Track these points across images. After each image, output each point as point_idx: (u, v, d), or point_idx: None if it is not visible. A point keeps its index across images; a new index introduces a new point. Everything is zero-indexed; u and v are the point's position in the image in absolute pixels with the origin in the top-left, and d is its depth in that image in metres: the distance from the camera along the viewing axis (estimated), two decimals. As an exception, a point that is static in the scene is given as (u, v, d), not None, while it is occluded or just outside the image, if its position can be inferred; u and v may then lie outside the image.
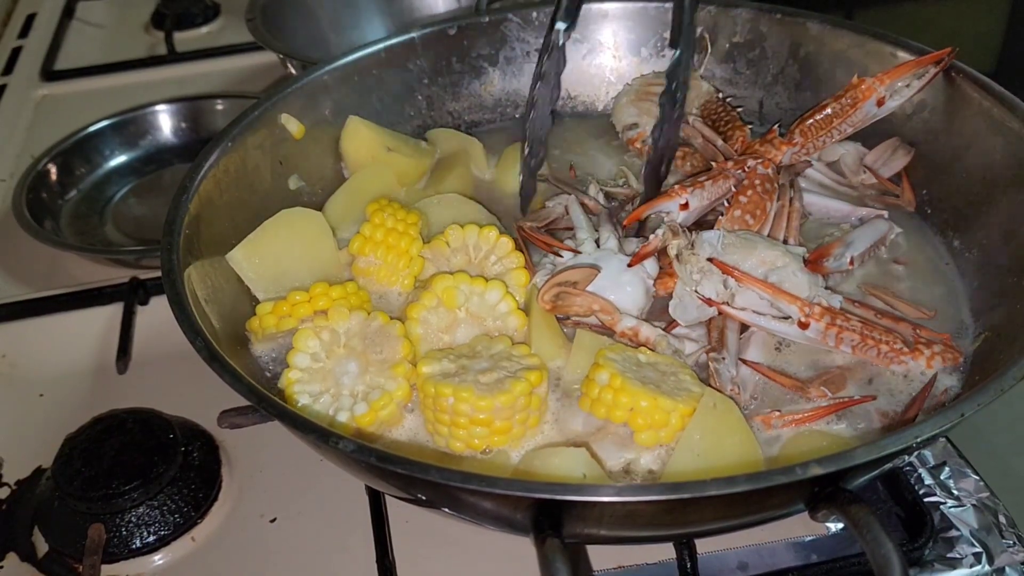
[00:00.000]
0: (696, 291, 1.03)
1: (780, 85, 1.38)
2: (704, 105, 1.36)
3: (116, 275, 1.41)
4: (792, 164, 1.24)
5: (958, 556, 1.00)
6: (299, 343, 1.00)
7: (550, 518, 0.76)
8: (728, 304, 1.03)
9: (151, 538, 1.05)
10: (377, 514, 1.06)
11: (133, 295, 1.37)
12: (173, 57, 2.07)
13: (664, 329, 1.06)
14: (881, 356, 1.01)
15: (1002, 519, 1.03)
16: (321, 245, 1.16)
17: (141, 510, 1.05)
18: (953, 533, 1.02)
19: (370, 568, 1.01)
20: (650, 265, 1.10)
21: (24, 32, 2.25)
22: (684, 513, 0.82)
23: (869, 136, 1.28)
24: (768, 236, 1.12)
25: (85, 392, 1.27)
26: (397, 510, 1.06)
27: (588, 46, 1.45)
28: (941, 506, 1.04)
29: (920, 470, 1.08)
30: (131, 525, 1.05)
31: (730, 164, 1.17)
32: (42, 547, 1.06)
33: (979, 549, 1.00)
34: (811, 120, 1.24)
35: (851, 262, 1.11)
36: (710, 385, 0.99)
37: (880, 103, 1.22)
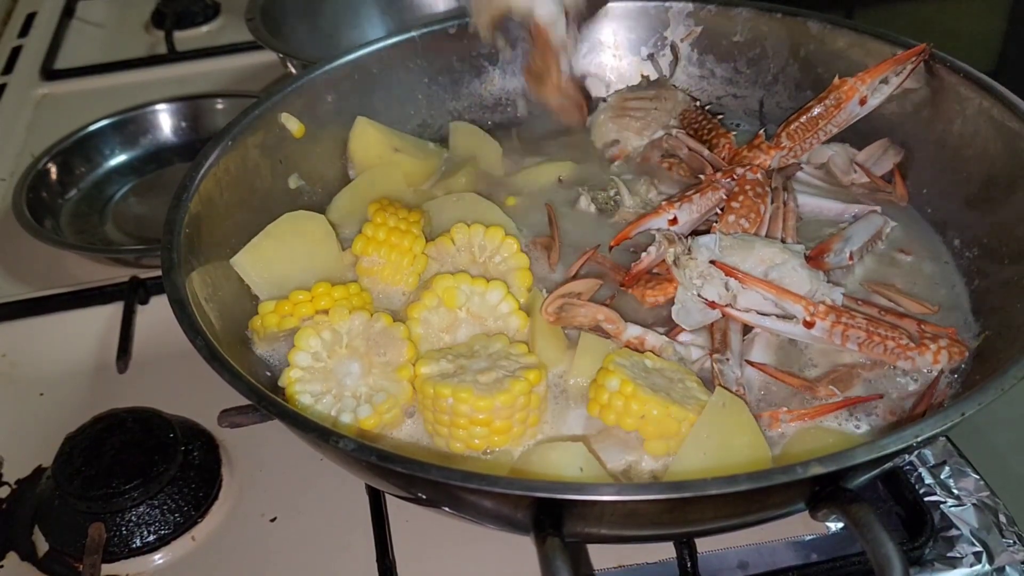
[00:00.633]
0: (699, 295, 1.03)
1: (780, 84, 1.38)
2: (682, 115, 1.36)
3: (116, 274, 1.41)
4: (783, 167, 1.24)
5: (958, 555, 1.00)
6: (300, 341, 1.00)
7: (551, 517, 0.76)
8: (731, 306, 1.02)
9: (151, 537, 1.05)
10: (377, 513, 1.06)
11: (133, 294, 1.37)
12: (173, 56, 2.07)
13: (667, 336, 1.06)
14: (888, 352, 1.01)
15: (1002, 518, 1.03)
16: (325, 247, 1.16)
17: (141, 509, 1.05)
18: (953, 532, 1.02)
19: (370, 567, 1.01)
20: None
21: (24, 31, 2.25)
22: (685, 512, 0.82)
23: (869, 135, 1.28)
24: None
25: (85, 391, 1.27)
26: (397, 509, 1.06)
27: (588, 45, 1.45)
28: (941, 505, 1.04)
29: (920, 469, 1.08)
30: (131, 524, 1.05)
31: (718, 175, 1.17)
32: (42, 546, 1.06)
33: (979, 548, 1.00)
34: (797, 123, 1.25)
35: (850, 257, 1.12)
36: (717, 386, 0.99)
37: (863, 102, 1.24)
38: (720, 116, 1.36)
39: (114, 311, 1.35)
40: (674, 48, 1.44)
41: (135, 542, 1.04)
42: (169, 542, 1.06)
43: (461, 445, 0.96)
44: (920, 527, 1.01)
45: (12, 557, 1.06)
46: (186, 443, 1.11)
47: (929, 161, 1.22)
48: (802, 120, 1.24)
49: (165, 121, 1.76)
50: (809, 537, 1.02)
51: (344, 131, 1.33)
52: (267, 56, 1.78)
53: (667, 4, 1.41)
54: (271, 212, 1.21)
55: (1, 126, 1.88)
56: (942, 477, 1.07)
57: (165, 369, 1.26)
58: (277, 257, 1.13)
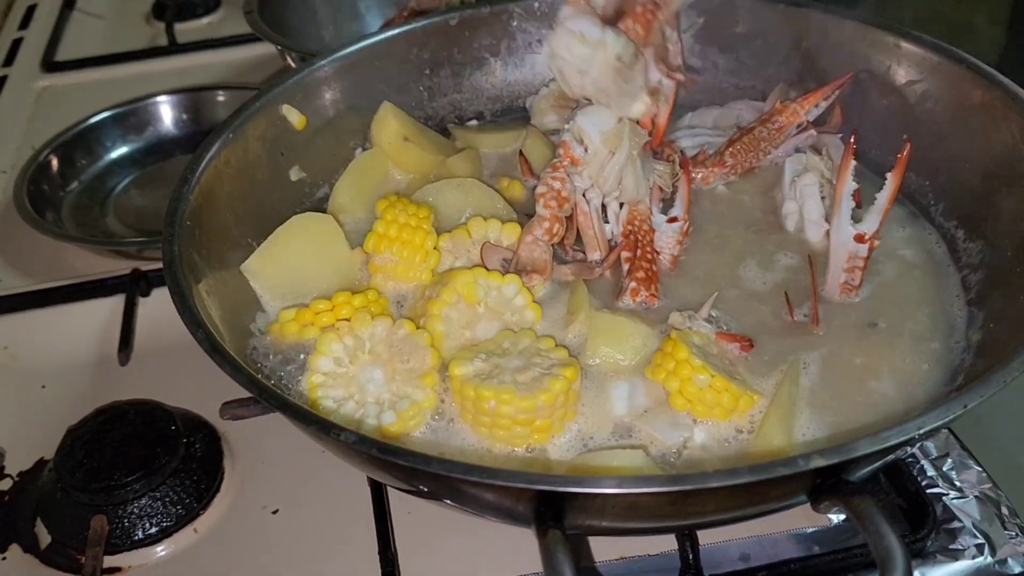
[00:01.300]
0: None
1: (783, 76, 1.38)
2: None
3: (117, 267, 1.41)
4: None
5: (960, 547, 1.00)
6: (322, 346, 0.99)
7: (552, 510, 0.76)
8: None
9: (153, 529, 1.05)
10: (379, 505, 1.06)
11: (135, 287, 1.36)
12: (174, 48, 2.06)
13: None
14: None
15: (1004, 510, 1.03)
16: (335, 248, 1.15)
17: (143, 501, 1.05)
18: (955, 524, 1.02)
19: (372, 559, 1.01)
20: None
21: (25, 23, 2.25)
22: (686, 505, 0.82)
23: (869, 131, 1.27)
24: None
25: (87, 384, 1.27)
26: (399, 502, 1.06)
27: (590, 37, 1.44)
28: (943, 497, 1.04)
29: (922, 461, 1.08)
30: (133, 516, 1.05)
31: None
32: (44, 538, 1.07)
33: (981, 540, 1.00)
34: (739, 143, 1.27)
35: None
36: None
37: (801, 127, 1.28)
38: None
39: (115, 303, 1.35)
40: None
41: (137, 534, 1.05)
42: (171, 534, 1.06)
43: (502, 444, 0.96)
44: (922, 519, 1.01)
45: (15, 549, 1.07)
46: (188, 435, 1.11)
47: (931, 153, 1.22)
48: (744, 140, 1.27)
49: (166, 113, 1.76)
50: (811, 529, 1.02)
51: (346, 123, 1.33)
52: (268, 48, 1.78)
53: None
54: (273, 204, 1.21)
55: (2, 118, 1.88)
56: (944, 469, 1.07)
57: (167, 361, 1.26)
58: (287, 261, 1.12)
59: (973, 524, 1.02)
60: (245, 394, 0.87)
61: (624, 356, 1.04)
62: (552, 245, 1.13)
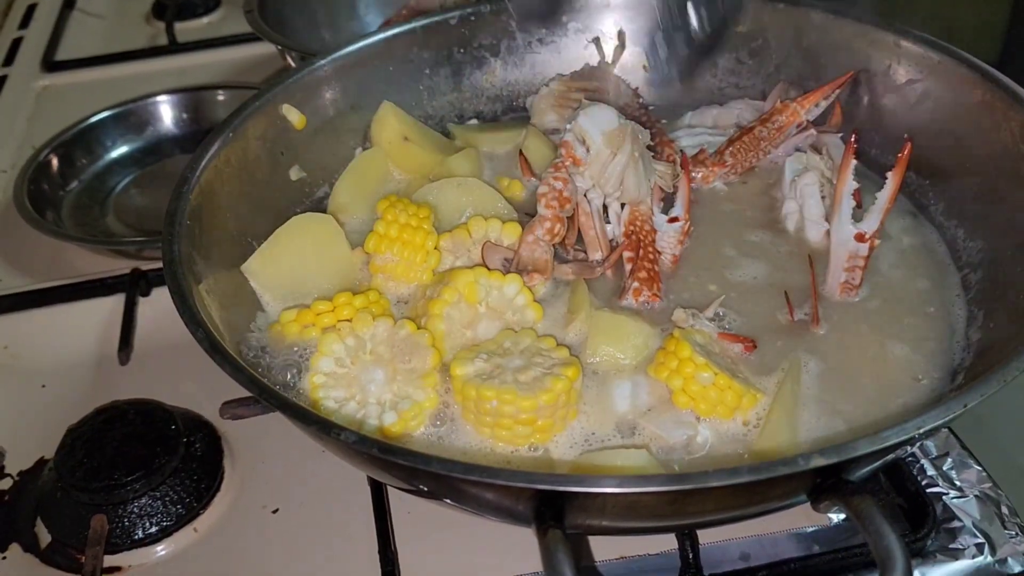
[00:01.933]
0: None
1: (783, 75, 1.38)
2: (624, 107, 1.36)
3: (117, 266, 1.41)
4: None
5: (960, 547, 1.00)
6: (323, 347, 0.99)
7: (552, 509, 0.76)
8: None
9: (153, 529, 1.05)
10: (379, 505, 1.06)
11: (135, 286, 1.36)
12: (174, 48, 2.06)
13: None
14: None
15: (1004, 510, 1.03)
16: (335, 249, 1.15)
17: (143, 501, 1.05)
18: (955, 524, 1.02)
19: (372, 558, 1.01)
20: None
21: (25, 23, 2.25)
22: (686, 504, 0.82)
23: (869, 130, 1.28)
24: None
25: (87, 383, 1.27)
26: (399, 501, 1.06)
27: (590, 36, 1.45)
28: (943, 497, 1.04)
29: (922, 461, 1.08)
30: (133, 516, 1.05)
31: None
32: (45, 538, 1.07)
33: (981, 540, 1.00)
34: (739, 142, 1.27)
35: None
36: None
37: (800, 126, 1.27)
38: (664, 122, 1.36)
39: (115, 303, 1.35)
40: (621, 35, 1.43)
41: (137, 533, 1.05)
42: (171, 533, 1.06)
43: (504, 444, 0.96)
44: (922, 519, 1.01)
45: (15, 548, 1.07)
46: (188, 435, 1.11)
47: (931, 152, 1.22)
48: (744, 140, 1.27)
49: (166, 112, 1.76)
50: (811, 529, 1.02)
51: (345, 122, 1.33)
52: (268, 47, 1.78)
53: (669, -7, 1.41)
54: (273, 204, 1.21)
55: (2, 118, 1.88)
56: (944, 468, 1.07)
57: (167, 361, 1.26)
58: (288, 261, 1.12)
59: (973, 523, 1.02)
60: (245, 394, 0.87)
61: (625, 355, 1.04)
62: (553, 245, 1.13)
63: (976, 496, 1.04)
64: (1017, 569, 0.98)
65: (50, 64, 2.05)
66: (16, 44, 2.16)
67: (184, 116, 1.77)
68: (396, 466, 0.82)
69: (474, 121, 1.45)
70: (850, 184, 1.08)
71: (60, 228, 1.51)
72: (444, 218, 1.18)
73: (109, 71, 2.02)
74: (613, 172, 1.12)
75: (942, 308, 1.10)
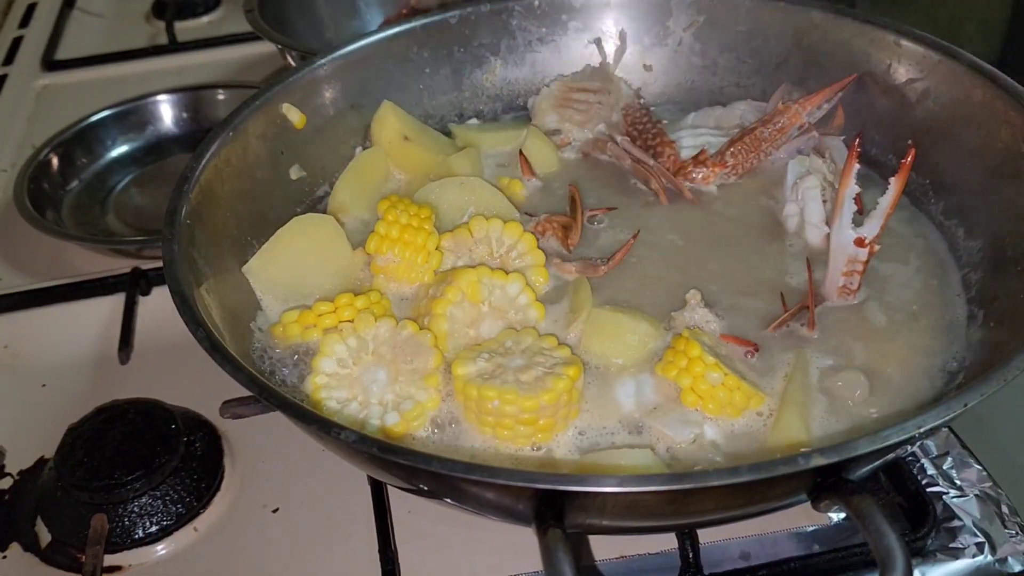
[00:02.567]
0: None
1: (784, 74, 1.37)
2: (625, 109, 1.36)
3: (118, 265, 1.41)
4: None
5: (960, 546, 1.00)
6: (325, 348, 0.99)
7: (552, 508, 0.76)
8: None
9: (153, 528, 1.05)
10: (379, 504, 1.06)
11: (135, 285, 1.36)
12: (174, 47, 2.06)
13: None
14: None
15: (1005, 509, 1.03)
16: (336, 250, 1.15)
17: (143, 500, 1.05)
18: (956, 523, 1.02)
19: (372, 558, 1.01)
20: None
21: (25, 22, 2.25)
22: (686, 503, 0.82)
23: (870, 129, 1.28)
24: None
25: (87, 382, 1.27)
26: (399, 500, 1.06)
27: (590, 35, 1.45)
28: (944, 496, 1.04)
29: (923, 460, 1.08)
30: (134, 515, 1.05)
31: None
32: (45, 537, 1.07)
33: (981, 539, 1.00)
34: (740, 143, 1.27)
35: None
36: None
37: (802, 128, 1.27)
38: (664, 122, 1.36)
39: (116, 302, 1.35)
40: (622, 35, 1.43)
41: (137, 533, 1.05)
42: (171, 533, 1.06)
43: (507, 443, 0.97)
44: (922, 518, 1.01)
45: (15, 548, 1.07)
46: (188, 434, 1.11)
47: (931, 151, 1.22)
48: (746, 141, 1.27)
49: (166, 112, 1.76)
50: (811, 528, 1.02)
51: (346, 122, 1.32)
52: (269, 47, 1.78)
53: (670, -8, 1.41)
54: (273, 203, 1.21)
55: (2, 117, 1.88)
56: (944, 468, 1.07)
57: (167, 360, 1.26)
58: (289, 262, 1.12)
59: (973, 523, 1.02)
60: (245, 393, 0.87)
61: (619, 354, 1.04)
62: (565, 243, 1.17)
63: (976, 495, 1.04)
64: (1017, 568, 0.99)
65: (50, 63, 2.04)
66: (16, 43, 2.15)
67: (184, 115, 1.76)
68: (396, 466, 0.82)
69: (474, 120, 1.45)
70: (852, 188, 1.08)
71: (60, 227, 1.51)
72: (446, 217, 1.18)
73: (109, 70, 2.02)
74: None
75: (942, 307, 1.10)
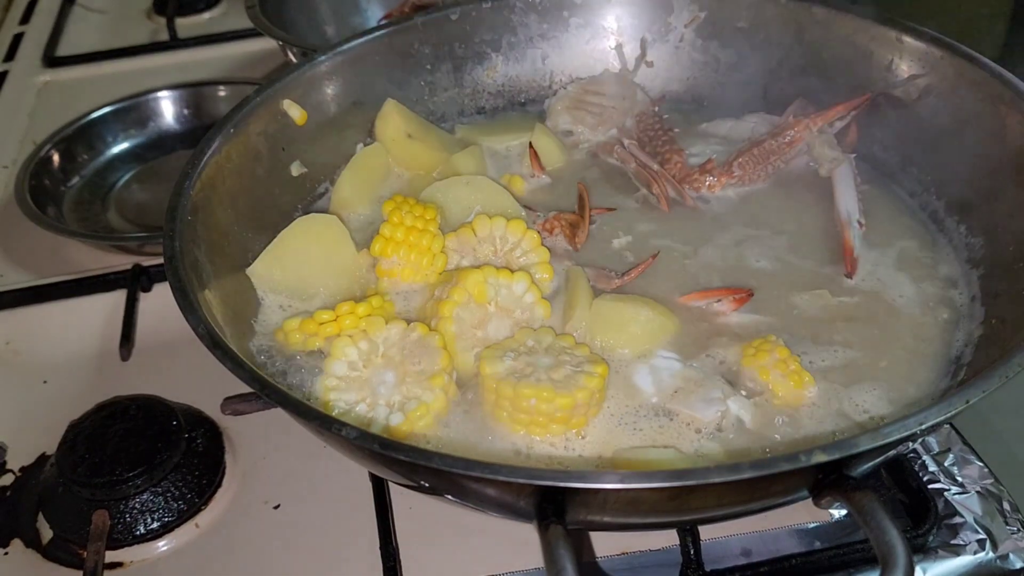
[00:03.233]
0: None
1: (785, 70, 1.37)
2: (639, 116, 1.36)
3: (119, 262, 1.41)
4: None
5: (962, 543, 1.00)
6: (336, 351, 0.99)
7: (553, 505, 0.76)
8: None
9: (155, 524, 1.05)
10: (380, 501, 1.06)
11: (136, 282, 1.36)
12: (175, 43, 2.06)
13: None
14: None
15: (1006, 506, 1.03)
16: (340, 250, 1.15)
17: (145, 496, 1.05)
18: (957, 520, 1.02)
19: (373, 554, 1.01)
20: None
21: (26, 18, 2.25)
22: (688, 500, 0.82)
23: (871, 127, 1.28)
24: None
25: (88, 379, 1.27)
26: (400, 497, 1.07)
27: (591, 31, 1.44)
28: (945, 493, 1.04)
29: (924, 457, 1.08)
30: (135, 511, 1.05)
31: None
32: (46, 533, 1.07)
33: (983, 536, 1.00)
34: (748, 154, 1.27)
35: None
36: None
37: (810, 147, 1.27)
38: (675, 131, 1.35)
39: (117, 298, 1.35)
40: (643, 43, 1.43)
41: (139, 529, 1.05)
42: (173, 529, 1.06)
43: (540, 439, 0.97)
44: (924, 515, 1.01)
45: (16, 544, 1.07)
46: (189, 430, 1.11)
47: (934, 148, 1.22)
48: (754, 152, 1.27)
49: (167, 108, 1.76)
50: (812, 524, 1.02)
51: (347, 118, 1.32)
52: (270, 43, 1.77)
53: (672, -11, 1.41)
54: (274, 199, 1.21)
55: (3, 113, 1.88)
56: (946, 465, 1.07)
57: (168, 356, 1.26)
58: (293, 263, 1.12)
59: (975, 519, 1.02)
60: (246, 389, 0.87)
61: (626, 343, 1.04)
62: (572, 241, 1.18)
63: (978, 492, 1.04)
64: (1019, 565, 0.99)
65: (51, 60, 2.04)
66: (17, 40, 2.15)
67: (185, 112, 1.76)
68: (397, 462, 0.81)
69: (478, 117, 1.45)
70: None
71: (61, 224, 1.51)
72: (452, 216, 1.18)
73: (110, 67, 2.01)
74: None
75: (943, 304, 1.09)
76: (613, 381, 1.01)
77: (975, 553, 0.99)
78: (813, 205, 1.24)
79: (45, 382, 1.27)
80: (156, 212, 1.56)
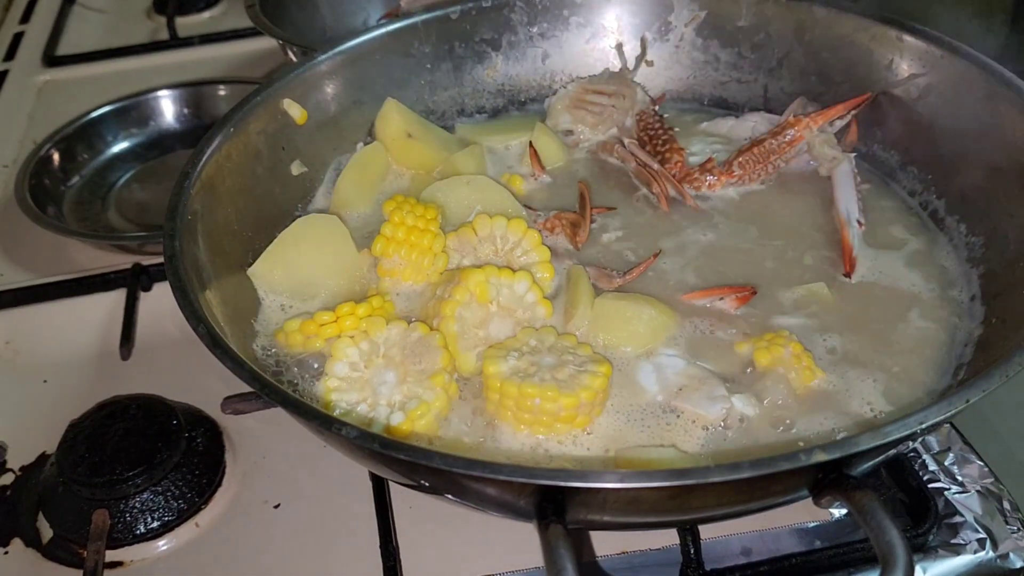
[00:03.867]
0: None
1: (785, 70, 1.37)
2: (639, 115, 1.36)
3: (119, 261, 1.41)
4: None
5: (962, 542, 1.00)
6: (338, 352, 0.99)
7: (553, 504, 0.76)
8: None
9: (155, 524, 1.05)
10: (380, 500, 1.06)
11: (136, 281, 1.36)
12: (175, 42, 2.06)
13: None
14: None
15: (1006, 505, 1.03)
16: (341, 250, 1.15)
17: (145, 496, 1.05)
18: (957, 519, 1.02)
19: (373, 553, 1.01)
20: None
21: (26, 17, 2.25)
22: (688, 499, 0.82)
23: (872, 127, 1.27)
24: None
25: (89, 378, 1.27)
26: (400, 496, 1.07)
27: (591, 30, 1.44)
28: (945, 492, 1.04)
29: (924, 456, 1.08)
30: (135, 511, 1.05)
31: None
32: (47, 533, 1.07)
33: (983, 535, 1.00)
34: (749, 153, 1.27)
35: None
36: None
37: (810, 146, 1.27)
38: (676, 130, 1.35)
39: (117, 298, 1.35)
40: (643, 42, 1.43)
41: (139, 528, 1.05)
42: (173, 528, 1.06)
43: (545, 437, 0.97)
44: (924, 514, 1.01)
45: (17, 543, 1.07)
46: (189, 430, 1.11)
47: (933, 147, 1.22)
48: (754, 152, 1.27)
49: (167, 107, 1.76)
50: (812, 524, 1.02)
51: (347, 118, 1.32)
52: (270, 42, 1.77)
53: (672, -11, 1.41)
54: (274, 199, 1.21)
55: (3, 113, 1.88)
56: (946, 464, 1.07)
57: (168, 356, 1.26)
58: (294, 263, 1.12)
59: (975, 519, 1.02)
60: (247, 389, 0.87)
61: (628, 341, 1.04)
62: (573, 240, 1.18)
63: (978, 491, 1.04)
64: (1019, 564, 0.99)
65: (51, 59, 2.04)
66: (17, 39, 2.15)
67: (185, 111, 1.76)
68: (398, 462, 0.81)
69: (478, 116, 1.45)
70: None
71: (61, 223, 1.51)
72: (453, 216, 1.18)
73: (110, 66, 2.01)
74: None
75: (944, 303, 1.09)
76: (617, 379, 1.01)
77: (975, 552, 0.99)
78: (813, 204, 1.24)
79: (45, 381, 1.27)
80: (156, 211, 1.56)
